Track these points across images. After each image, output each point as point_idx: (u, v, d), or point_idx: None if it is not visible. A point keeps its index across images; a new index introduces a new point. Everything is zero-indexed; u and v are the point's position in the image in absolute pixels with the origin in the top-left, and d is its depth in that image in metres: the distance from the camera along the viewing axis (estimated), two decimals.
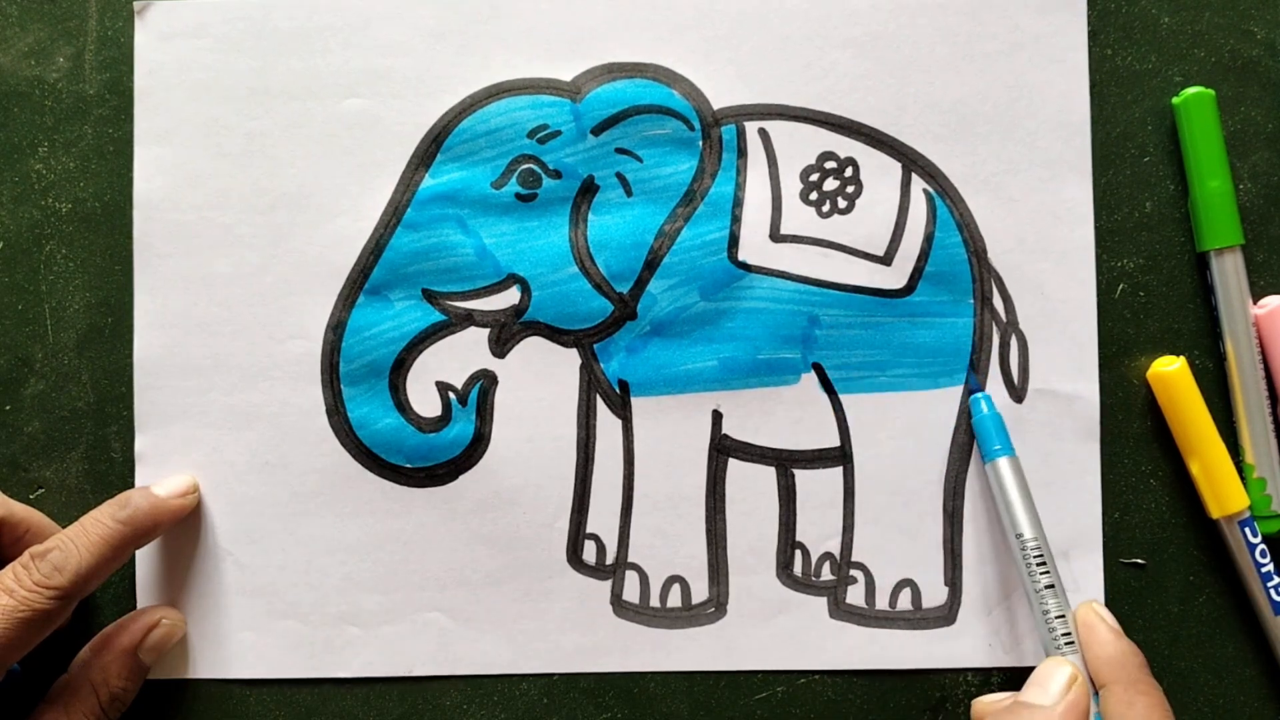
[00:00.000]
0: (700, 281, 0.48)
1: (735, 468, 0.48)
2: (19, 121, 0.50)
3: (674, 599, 0.48)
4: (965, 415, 0.48)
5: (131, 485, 0.49)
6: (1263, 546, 0.46)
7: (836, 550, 0.48)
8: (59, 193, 0.49)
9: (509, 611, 0.48)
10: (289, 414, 0.48)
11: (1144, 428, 0.48)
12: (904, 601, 0.48)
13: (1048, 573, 0.45)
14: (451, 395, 0.48)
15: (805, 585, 0.48)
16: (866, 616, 0.48)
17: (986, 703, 0.45)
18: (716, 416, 0.48)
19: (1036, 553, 0.45)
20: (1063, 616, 0.44)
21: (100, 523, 0.45)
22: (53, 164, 0.49)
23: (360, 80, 0.49)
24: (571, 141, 0.48)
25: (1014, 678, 0.48)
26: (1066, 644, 0.44)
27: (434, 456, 0.48)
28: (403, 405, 0.48)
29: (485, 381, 0.48)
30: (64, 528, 0.45)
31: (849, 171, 0.48)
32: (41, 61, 0.50)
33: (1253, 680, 0.47)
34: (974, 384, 0.48)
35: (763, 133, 0.48)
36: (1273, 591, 0.46)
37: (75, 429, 0.49)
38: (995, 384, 0.48)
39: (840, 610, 0.48)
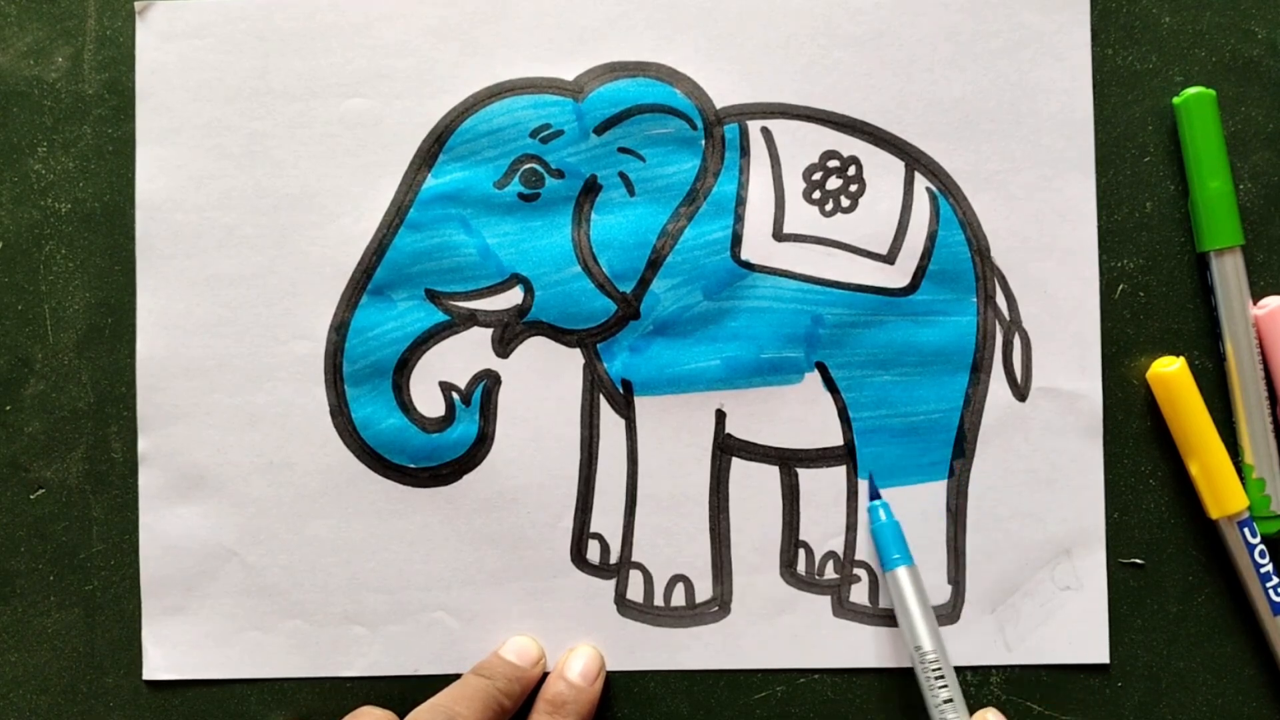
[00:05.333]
0: (703, 281, 0.48)
1: (739, 467, 0.48)
2: (18, 121, 0.49)
3: (678, 598, 0.48)
4: (969, 413, 0.48)
5: (133, 486, 0.49)
6: (1262, 547, 0.47)
7: (840, 549, 0.48)
8: (58, 193, 0.49)
9: (513, 611, 0.48)
10: (293, 415, 0.48)
11: (1143, 428, 0.48)
12: None
13: (946, 686, 0.45)
14: (455, 395, 0.48)
15: (809, 584, 0.48)
16: (870, 615, 0.48)
17: None
18: (720, 416, 0.48)
19: (935, 667, 0.45)
20: None
21: None
22: (52, 164, 0.49)
23: (362, 80, 0.48)
24: (574, 141, 0.48)
25: (1015, 677, 0.48)
26: None
27: (438, 456, 0.48)
28: (406, 405, 0.48)
29: (489, 381, 0.48)
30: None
31: (852, 170, 0.48)
32: (40, 61, 0.49)
33: (1252, 680, 0.48)
34: (871, 490, 0.48)
35: (765, 132, 0.48)
36: (1272, 592, 0.47)
37: (75, 429, 0.49)
38: (999, 382, 0.48)
39: (844, 609, 0.48)
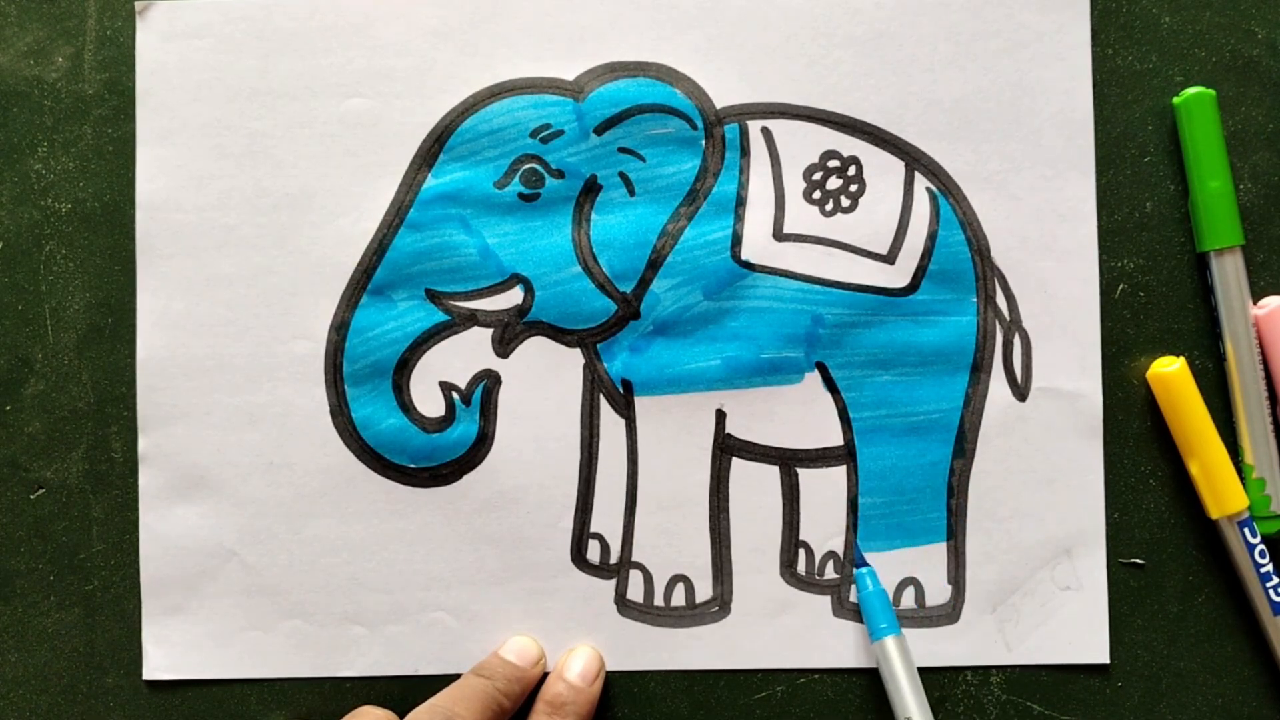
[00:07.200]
0: (703, 281, 0.48)
1: (739, 467, 0.48)
2: (18, 121, 0.49)
3: (678, 598, 0.48)
4: (969, 413, 0.48)
5: (134, 486, 0.49)
6: (1262, 547, 0.47)
7: (840, 549, 0.48)
8: (59, 193, 0.49)
9: (513, 611, 0.48)
10: (293, 415, 0.48)
11: (1143, 428, 0.48)
12: (908, 600, 0.48)
13: None
14: (455, 395, 0.48)
15: (809, 584, 0.48)
16: None
17: None
18: (720, 416, 0.48)
19: None
20: None
21: None
22: (52, 164, 0.49)
23: (362, 80, 0.48)
24: (574, 141, 0.48)
25: (1015, 677, 0.48)
26: None
27: (438, 456, 0.48)
28: (406, 405, 0.48)
29: (489, 381, 0.48)
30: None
31: (852, 170, 0.48)
32: (40, 61, 0.49)
33: (1252, 680, 0.48)
34: (858, 557, 0.48)
35: (766, 132, 0.48)
36: (1272, 592, 0.47)
37: (76, 429, 0.49)
38: (999, 382, 0.48)
39: (844, 609, 0.48)
